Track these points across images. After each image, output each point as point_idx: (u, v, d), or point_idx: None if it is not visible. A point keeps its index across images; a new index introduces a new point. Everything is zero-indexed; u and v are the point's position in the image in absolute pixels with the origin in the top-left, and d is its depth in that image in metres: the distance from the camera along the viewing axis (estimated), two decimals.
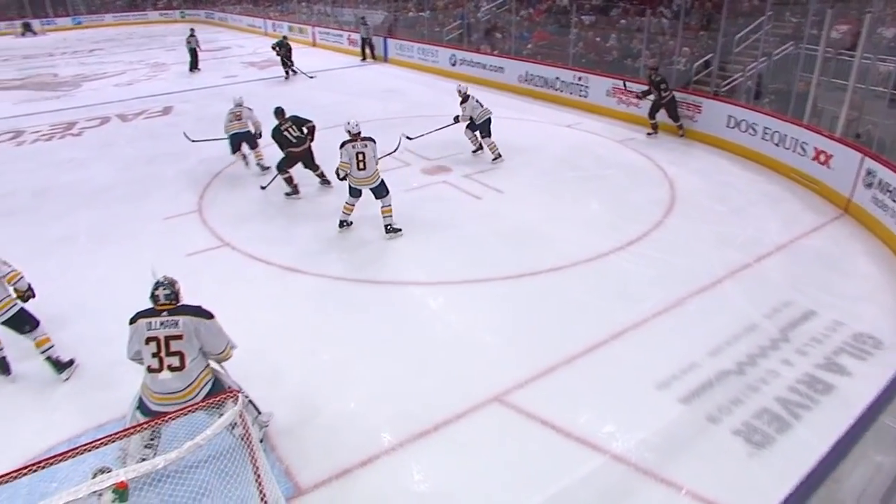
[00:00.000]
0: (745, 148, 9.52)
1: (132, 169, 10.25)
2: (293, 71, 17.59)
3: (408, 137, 9.87)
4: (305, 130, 8.41)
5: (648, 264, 6.45)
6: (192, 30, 20.13)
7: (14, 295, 4.92)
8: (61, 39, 32.08)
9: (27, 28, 35.61)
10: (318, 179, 8.83)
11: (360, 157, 6.95)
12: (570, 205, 8.01)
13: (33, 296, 5.04)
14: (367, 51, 19.79)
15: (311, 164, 8.61)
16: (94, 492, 2.72)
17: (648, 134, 10.67)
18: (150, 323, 3.67)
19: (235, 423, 3.94)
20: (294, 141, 8.25)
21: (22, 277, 4.97)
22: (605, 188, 8.53)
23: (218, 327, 3.82)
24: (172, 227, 7.84)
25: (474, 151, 10.15)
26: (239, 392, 3.05)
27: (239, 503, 3.67)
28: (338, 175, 7.14)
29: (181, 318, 3.69)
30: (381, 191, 7.15)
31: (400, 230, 7.26)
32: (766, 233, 7.08)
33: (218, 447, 3.99)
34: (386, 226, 7.25)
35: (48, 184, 9.75)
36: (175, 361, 3.67)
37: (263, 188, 8.80)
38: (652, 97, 10.47)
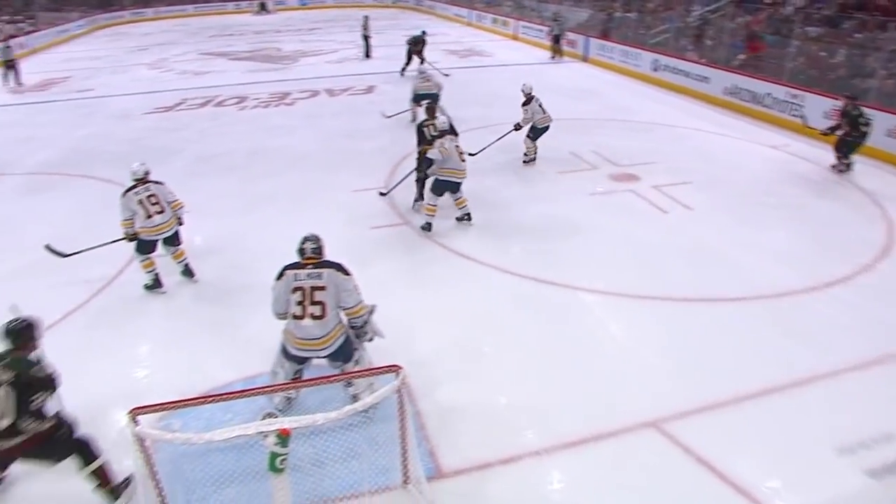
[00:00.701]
0: None
1: (332, 141, 11.06)
2: (403, 70, 16.72)
3: (469, 154, 9.46)
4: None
5: (847, 311, 5.74)
6: (365, 17, 20.69)
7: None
8: (288, 18, 35.37)
9: (262, 7, 39.81)
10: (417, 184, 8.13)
11: (459, 149, 7.07)
12: (763, 232, 7.35)
13: (182, 224, 6.24)
14: (557, 47, 19.17)
15: (424, 167, 7.91)
16: (262, 432, 2.97)
17: (837, 170, 9.22)
18: (297, 274, 4.04)
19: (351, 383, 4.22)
20: (428, 139, 7.83)
21: (183, 206, 6.20)
22: (806, 219, 7.71)
23: (353, 284, 4.13)
24: (359, 199, 8.34)
25: (526, 162, 9.67)
26: (401, 367, 3.17)
27: (382, 472, 3.85)
28: (426, 163, 7.21)
29: (325, 271, 4.05)
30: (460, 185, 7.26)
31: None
32: None
33: (373, 415, 4.20)
34: (467, 214, 7.45)
35: (260, 146, 10.83)
36: (317, 310, 4.00)
37: (383, 195, 8.46)
38: (840, 132, 9.01)
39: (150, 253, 6.09)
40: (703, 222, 7.59)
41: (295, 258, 4.17)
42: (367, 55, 20.22)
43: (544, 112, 9.26)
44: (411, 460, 3.65)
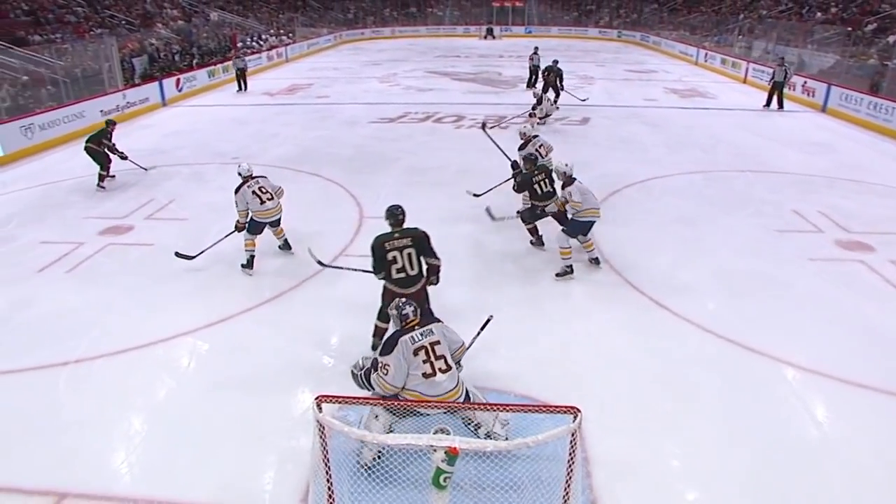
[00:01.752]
0: None
1: None
2: (555, 103, 16.07)
3: (474, 195, 8.71)
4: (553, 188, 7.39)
5: None
6: (535, 48, 20.44)
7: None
8: (512, 44, 36.47)
9: (489, 32, 41.83)
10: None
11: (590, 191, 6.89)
12: None
13: None
14: (776, 96, 16.97)
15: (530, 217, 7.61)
16: (432, 446, 3.01)
17: None
18: (413, 337, 4.10)
19: (486, 428, 4.19)
20: (541, 194, 7.30)
21: (283, 192, 7.32)
22: None
23: (451, 328, 4.34)
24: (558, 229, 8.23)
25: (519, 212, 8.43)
26: (579, 410, 3.04)
27: None
28: (561, 210, 6.99)
29: (432, 326, 4.19)
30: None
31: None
32: None
33: (540, 452, 4.08)
34: (596, 258, 7.16)
35: (471, 165, 11.18)
36: (443, 364, 4.10)
37: (477, 196, 8.79)
38: None
39: (258, 234, 7.13)
40: None
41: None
42: (531, 85, 19.81)
43: (542, 156, 8.43)
44: None
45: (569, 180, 6.84)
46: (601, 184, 10.08)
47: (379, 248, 5.12)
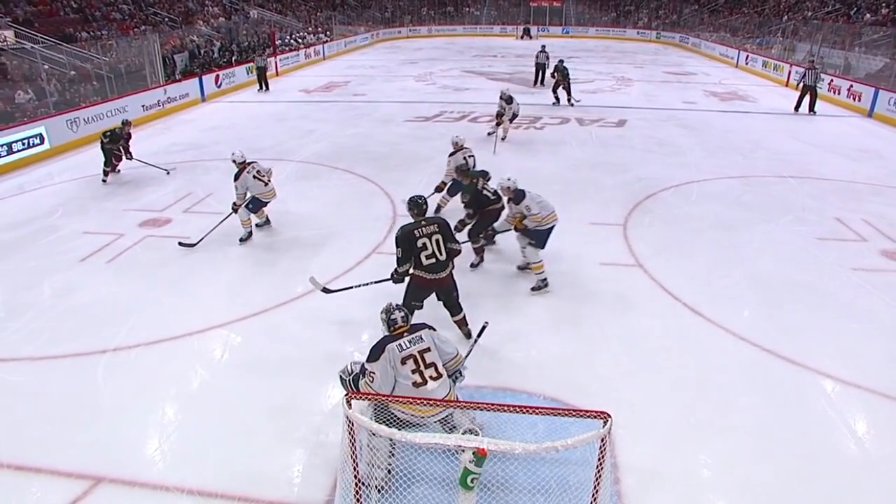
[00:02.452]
0: None
1: (575, 170, 11.00)
2: (570, 101, 17.06)
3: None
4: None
5: None
6: (543, 46, 20.87)
7: None
8: (549, 45, 35.93)
9: (526, 32, 41.76)
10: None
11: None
12: None
13: None
14: (809, 100, 16.42)
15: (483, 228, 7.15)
16: (460, 446, 3.00)
17: None
18: (400, 345, 3.95)
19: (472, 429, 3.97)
20: (493, 198, 7.06)
21: (272, 171, 7.87)
22: None
23: (445, 336, 4.23)
24: (594, 232, 8.15)
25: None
26: (610, 416, 3.01)
27: None
28: (519, 228, 6.60)
29: (421, 332, 4.03)
30: None
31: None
32: None
33: (569, 456, 4.06)
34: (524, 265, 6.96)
35: (503, 165, 11.10)
36: (433, 371, 3.96)
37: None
38: None
39: (256, 212, 7.88)
40: None
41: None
42: (539, 83, 20.47)
43: (470, 167, 8.03)
44: None
45: (517, 194, 6.47)
46: (636, 187, 10.00)
47: (407, 238, 5.26)
